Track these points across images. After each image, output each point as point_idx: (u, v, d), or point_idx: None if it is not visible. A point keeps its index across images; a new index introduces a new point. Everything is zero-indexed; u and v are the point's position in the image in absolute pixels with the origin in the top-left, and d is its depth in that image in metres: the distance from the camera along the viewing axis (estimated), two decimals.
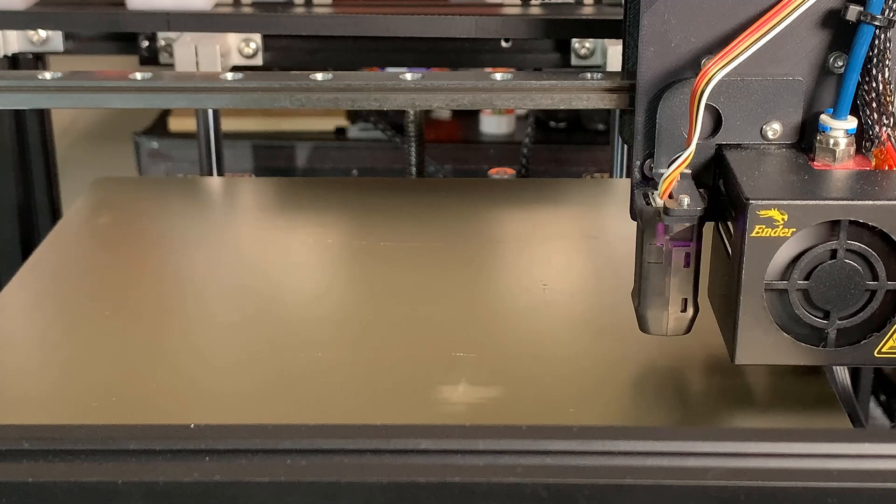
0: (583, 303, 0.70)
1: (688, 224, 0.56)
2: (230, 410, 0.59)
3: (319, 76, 0.64)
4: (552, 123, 1.73)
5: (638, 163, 0.59)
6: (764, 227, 0.52)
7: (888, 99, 0.56)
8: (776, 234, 0.53)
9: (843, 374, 0.92)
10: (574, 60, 0.89)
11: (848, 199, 0.53)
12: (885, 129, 0.56)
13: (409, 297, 0.69)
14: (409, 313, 0.68)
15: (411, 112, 0.93)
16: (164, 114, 1.78)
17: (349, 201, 0.82)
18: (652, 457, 0.48)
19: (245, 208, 0.83)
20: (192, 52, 0.87)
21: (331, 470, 0.48)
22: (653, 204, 0.57)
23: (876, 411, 1.23)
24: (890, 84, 0.56)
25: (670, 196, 0.56)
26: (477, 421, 0.57)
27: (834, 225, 0.53)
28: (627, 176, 0.91)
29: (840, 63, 0.57)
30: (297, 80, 0.63)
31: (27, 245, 1.03)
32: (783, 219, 0.52)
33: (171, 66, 0.88)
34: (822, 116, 0.57)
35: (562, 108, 0.63)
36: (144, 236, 0.77)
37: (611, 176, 0.93)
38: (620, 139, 0.91)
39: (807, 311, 0.55)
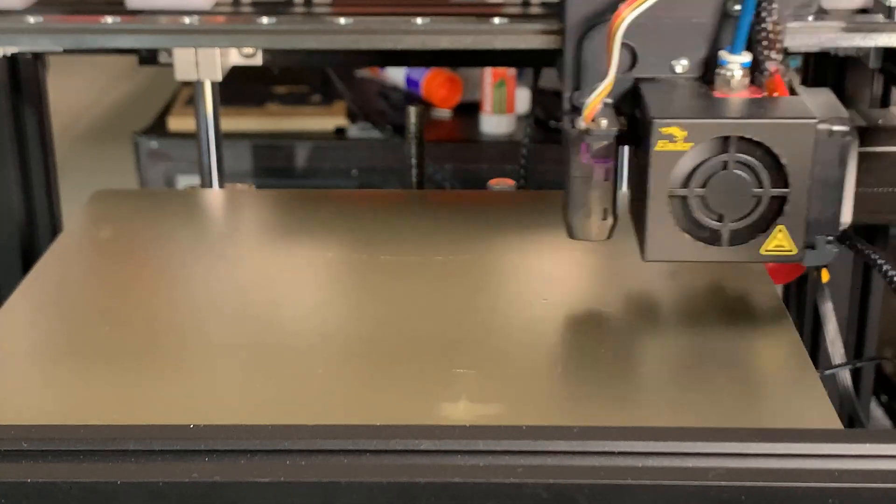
0: (584, 317, 0.69)
1: (606, 143, 0.65)
2: (232, 423, 0.59)
3: (342, 20, 0.74)
4: (552, 123, 1.73)
5: (567, 95, 0.69)
6: (666, 141, 0.61)
7: (776, 37, 0.65)
8: (676, 148, 0.61)
9: (843, 375, 0.92)
10: None
11: (735, 118, 0.61)
12: (773, 62, 0.65)
13: (408, 311, 0.69)
14: (408, 328, 0.67)
15: (412, 112, 0.93)
16: (164, 114, 1.78)
17: (349, 214, 0.81)
18: (652, 457, 0.48)
19: (245, 221, 0.83)
20: (192, 52, 0.86)
21: (331, 470, 0.48)
22: (577, 127, 0.66)
23: (877, 411, 1.23)
24: (778, 24, 0.65)
25: (593, 120, 0.65)
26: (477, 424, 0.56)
27: (725, 140, 0.61)
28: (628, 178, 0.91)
29: (737, 7, 0.66)
30: (323, 24, 0.75)
31: (27, 248, 1.03)
32: (682, 135, 0.61)
33: (171, 65, 0.88)
34: (721, 52, 0.65)
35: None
36: (145, 250, 0.77)
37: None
38: None
39: (704, 214, 0.63)
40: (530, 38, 0.75)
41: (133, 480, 0.47)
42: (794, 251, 0.63)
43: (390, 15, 0.77)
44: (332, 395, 0.61)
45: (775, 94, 0.65)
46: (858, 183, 0.94)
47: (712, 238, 0.63)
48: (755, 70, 0.66)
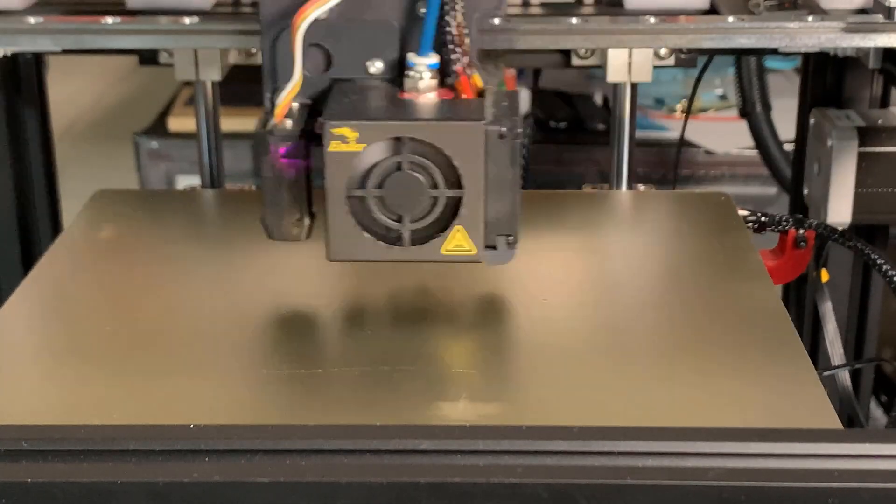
0: (583, 318, 0.69)
1: (290, 142, 0.65)
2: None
3: None
4: (552, 123, 1.73)
5: (268, 94, 0.68)
6: (339, 142, 0.61)
7: (461, 39, 0.65)
8: (349, 149, 0.61)
9: (843, 376, 0.92)
10: (574, 61, 0.89)
11: (405, 120, 0.62)
12: (459, 64, 0.65)
13: (408, 311, 0.69)
14: (408, 328, 0.67)
15: None
16: (164, 114, 1.78)
17: None
18: (652, 457, 0.48)
19: (246, 221, 0.83)
20: (192, 53, 0.87)
21: (331, 470, 0.48)
22: (267, 127, 0.65)
23: (876, 411, 1.23)
24: (462, 26, 0.65)
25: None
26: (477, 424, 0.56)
27: (399, 141, 0.62)
28: (628, 181, 0.91)
29: (424, 9, 0.66)
30: None
31: (27, 249, 1.03)
32: (354, 136, 0.61)
33: (171, 66, 0.88)
34: (409, 54, 0.66)
35: None
36: (145, 250, 0.77)
37: (611, 185, 0.93)
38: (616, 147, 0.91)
39: (384, 215, 0.63)
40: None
41: (133, 480, 0.47)
42: (474, 251, 0.64)
43: None
44: (330, 396, 0.61)
45: (463, 96, 0.65)
46: (858, 183, 0.94)
47: (393, 238, 0.64)
48: (445, 72, 0.66)
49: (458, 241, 0.63)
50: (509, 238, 0.64)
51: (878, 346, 1.09)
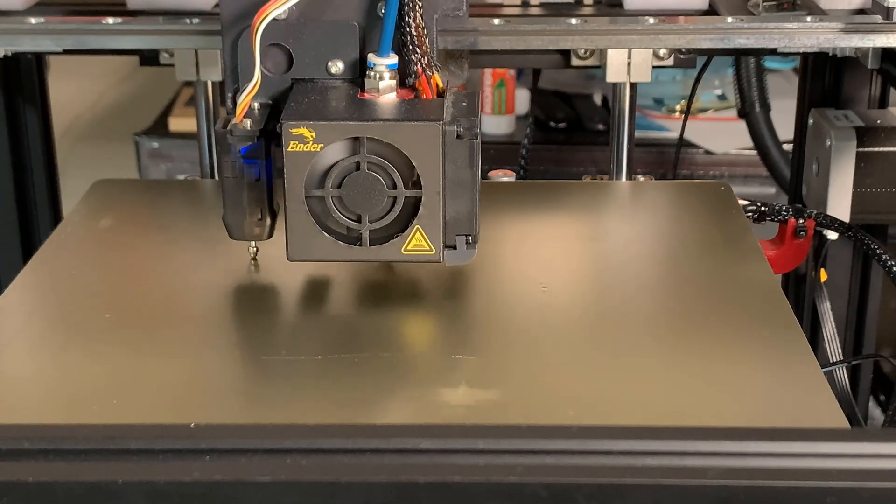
0: (582, 305, 0.70)
1: (250, 142, 0.65)
2: (230, 413, 0.59)
3: None
4: (552, 124, 1.73)
5: (230, 95, 0.68)
6: (297, 143, 0.62)
7: (420, 40, 0.65)
8: (308, 149, 0.62)
9: (841, 374, 0.92)
10: (574, 61, 0.89)
11: (362, 120, 0.62)
12: (419, 65, 0.65)
13: (408, 299, 0.69)
14: (408, 315, 0.68)
15: None
16: (165, 114, 1.78)
17: None
18: (652, 456, 0.48)
19: None
20: (192, 53, 0.87)
21: (331, 470, 0.48)
22: (227, 127, 0.65)
23: (876, 411, 1.23)
24: (422, 27, 0.65)
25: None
26: (477, 423, 0.57)
27: (358, 141, 0.62)
28: (628, 176, 0.91)
29: (385, 10, 0.66)
30: None
31: (28, 249, 1.03)
32: (312, 136, 0.62)
33: (171, 66, 0.88)
34: (370, 55, 0.66)
35: None
36: (145, 239, 0.77)
37: (611, 178, 0.93)
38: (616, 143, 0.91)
39: (343, 215, 0.63)
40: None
41: (134, 479, 0.47)
42: (433, 251, 0.64)
43: None
44: (331, 382, 0.61)
45: (424, 97, 0.65)
46: (856, 183, 0.95)
47: (353, 238, 0.64)
48: (406, 72, 0.66)
49: (417, 240, 0.64)
50: (469, 238, 0.65)
51: (876, 345, 1.09)
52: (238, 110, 0.65)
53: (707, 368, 0.62)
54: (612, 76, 0.86)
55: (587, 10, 0.87)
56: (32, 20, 0.82)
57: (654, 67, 0.86)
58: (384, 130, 0.62)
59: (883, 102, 1.01)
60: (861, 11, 0.81)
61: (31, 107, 1.01)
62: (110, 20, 0.82)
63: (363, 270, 0.71)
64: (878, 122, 0.95)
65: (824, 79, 1.00)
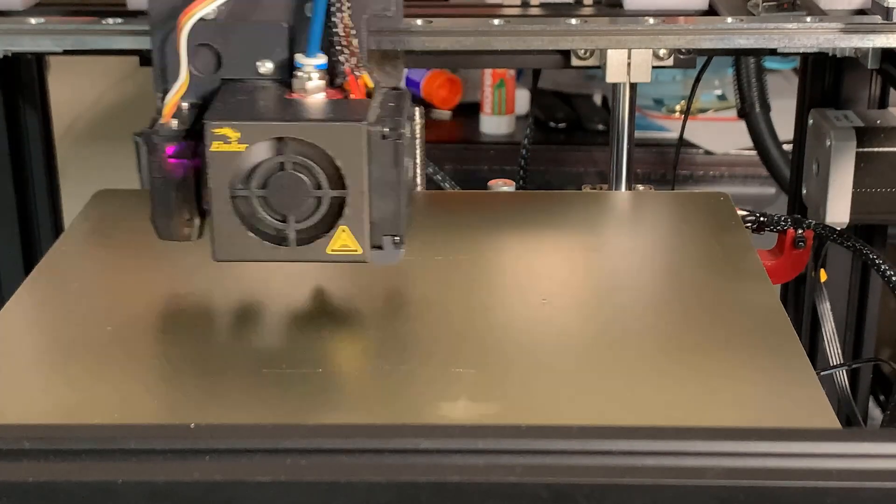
0: (582, 317, 0.69)
1: (177, 142, 0.64)
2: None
3: None
4: (552, 124, 1.73)
5: (159, 94, 0.67)
6: (221, 142, 0.61)
7: (348, 40, 0.65)
8: (231, 149, 0.61)
9: (840, 375, 0.92)
10: (574, 61, 0.89)
11: (284, 120, 0.62)
12: (347, 65, 0.66)
13: (407, 311, 0.69)
14: (407, 328, 0.68)
15: (416, 113, 0.93)
16: None
17: None
18: (652, 457, 0.48)
19: None
20: None
21: (331, 470, 0.48)
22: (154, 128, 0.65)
23: (875, 411, 1.23)
24: (350, 27, 0.65)
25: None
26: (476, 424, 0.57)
27: (282, 141, 0.62)
28: (627, 181, 0.91)
29: (312, 10, 0.66)
30: None
31: (28, 249, 1.03)
32: (236, 136, 0.61)
33: None
34: (297, 55, 0.66)
35: None
36: (147, 249, 0.77)
37: (610, 185, 0.93)
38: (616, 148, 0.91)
39: (268, 215, 0.63)
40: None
41: (134, 479, 0.47)
42: (360, 251, 0.64)
43: None
44: (330, 395, 0.61)
45: (352, 97, 0.65)
46: (856, 183, 0.95)
47: (279, 238, 0.64)
48: (334, 72, 0.66)
49: (343, 240, 0.64)
50: (395, 238, 0.65)
51: (876, 346, 1.09)
52: (165, 110, 0.65)
53: (706, 383, 0.62)
54: (611, 76, 0.86)
55: (587, 11, 0.87)
56: (32, 20, 0.82)
57: (653, 68, 0.86)
58: (307, 131, 0.62)
59: (883, 103, 1.01)
60: (861, 12, 0.81)
61: (31, 107, 1.01)
62: (110, 20, 0.82)
63: (363, 282, 0.71)
64: (878, 122, 0.95)
65: (824, 79, 1.00)
